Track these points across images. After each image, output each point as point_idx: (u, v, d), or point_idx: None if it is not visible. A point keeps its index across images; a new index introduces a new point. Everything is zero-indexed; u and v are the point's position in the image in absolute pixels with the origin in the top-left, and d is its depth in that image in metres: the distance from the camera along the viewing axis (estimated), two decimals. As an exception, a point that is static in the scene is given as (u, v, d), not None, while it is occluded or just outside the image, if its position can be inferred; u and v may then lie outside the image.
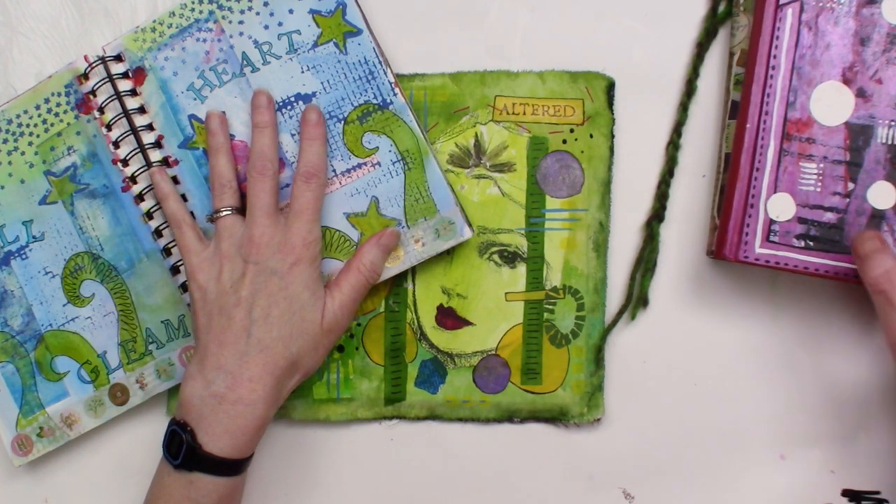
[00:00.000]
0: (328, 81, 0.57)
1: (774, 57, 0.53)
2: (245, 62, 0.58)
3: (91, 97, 0.59)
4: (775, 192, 0.54)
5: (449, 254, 0.59)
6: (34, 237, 0.60)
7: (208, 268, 0.54)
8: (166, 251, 0.59)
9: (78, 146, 0.59)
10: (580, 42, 0.59)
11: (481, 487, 0.61)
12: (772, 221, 0.54)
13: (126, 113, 0.58)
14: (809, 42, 0.53)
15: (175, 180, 0.58)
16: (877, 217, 0.54)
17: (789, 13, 0.53)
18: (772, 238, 0.54)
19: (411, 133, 0.57)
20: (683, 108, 0.59)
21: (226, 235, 0.54)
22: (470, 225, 0.58)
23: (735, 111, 0.56)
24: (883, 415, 0.59)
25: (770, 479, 0.59)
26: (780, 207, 0.54)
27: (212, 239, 0.56)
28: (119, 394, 0.60)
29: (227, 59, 0.58)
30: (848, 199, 0.54)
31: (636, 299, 0.59)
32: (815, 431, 0.59)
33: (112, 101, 0.58)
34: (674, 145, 0.59)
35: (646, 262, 0.59)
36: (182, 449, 0.51)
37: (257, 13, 0.58)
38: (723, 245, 0.54)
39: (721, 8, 0.58)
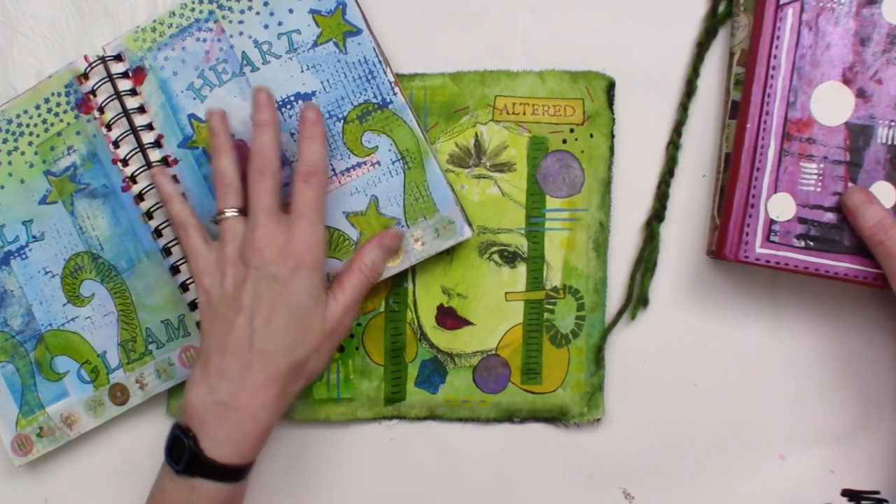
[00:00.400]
0: (328, 81, 0.58)
1: (775, 57, 0.53)
2: (245, 62, 0.58)
3: (91, 97, 0.59)
4: (776, 192, 0.54)
5: (449, 253, 0.59)
6: (34, 237, 0.60)
7: (213, 271, 0.54)
8: (166, 251, 0.59)
9: (78, 146, 0.59)
10: (580, 42, 0.59)
11: (481, 487, 0.61)
12: (772, 221, 0.54)
13: (126, 112, 0.58)
14: (810, 42, 0.53)
15: (175, 179, 0.58)
16: None
17: (790, 13, 0.53)
18: (772, 238, 0.54)
19: (411, 132, 0.57)
20: (683, 107, 0.59)
21: (229, 238, 0.53)
22: (470, 224, 0.58)
23: (735, 111, 0.56)
24: (883, 415, 0.59)
25: (770, 478, 0.59)
26: (781, 207, 0.54)
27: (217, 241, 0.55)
28: (119, 394, 0.60)
29: (227, 58, 0.58)
30: None
31: (636, 299, 0.59)
32: (815, 431, 0.59)
33: (112, 100, 0.58)
34: (674, 145, 0.59)
35: (646, 262, 0.59)
36: (184, 454, 0.51)
37: (257, 13, 0.58)
38: (723, 245, 0.54)
39: (721, 8, 0.58)
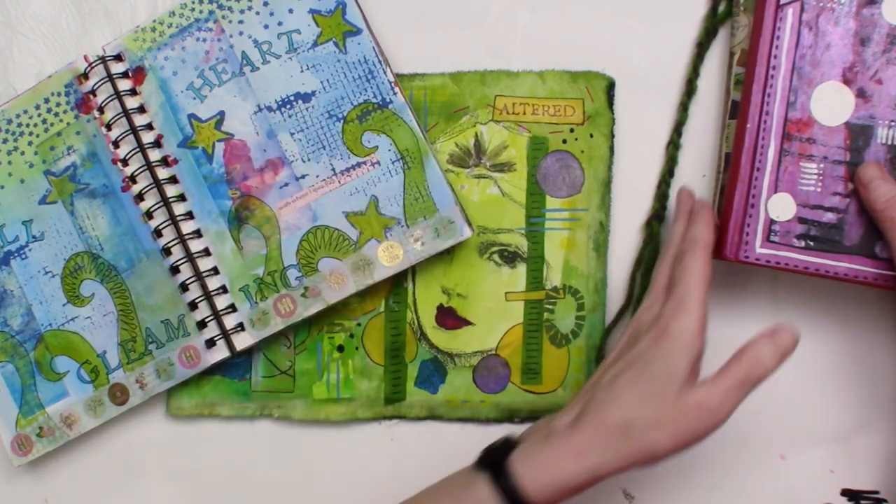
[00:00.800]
0: (328, 80, 0.58)
1: (775, 57, 0.53)
2: (245, 61, 0.58)
3: (91, 97, 0.59)
4: (776, 192, 0.54)
5: (449, 253, 0.59)
6: (34, 237, 0.60)
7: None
8: (166, 251, 0.59)
9: (78, 146, 0.59)
10: (580, 42, 0.59)
11: (481, 487, 0.60)
12: (772, 221, 0.54)
13: (126, 112, 0.58)
14: (810, 42, 0.53)
15: (174, 179, 0.58)
16: None
17: (790, 13, 0.53)
18: (772, 238, 0.54)
19: (411, 132, 0.57)
20: (684, 107, 0.59)
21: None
22: (470, 224, 0.58)
23: (735, 111, 0.56)
24: (882, 415, 0.59)
25: (770, 478, 0.59)
26: (781, 207, 0.54)
27: None
28: (119, 394, 0.60)
29: (227, 58, 0.58)
30: (848, 200, 0.54)
31: (636, 299, 0.59)
32: (815, 431, 0.59)
33: (112, 100, 0.58)
34: (674, 145, 0.59)
35: (646, 262, 0.59)
36: (495, 453, 0.50)
37: (257, 13, 0.58)
38: (723, 245, 0.54)
39: (721, 8, 0.58)
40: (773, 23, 0.53)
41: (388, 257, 0.58)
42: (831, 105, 0.53)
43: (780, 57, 0.53)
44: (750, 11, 0.56)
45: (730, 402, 0.47)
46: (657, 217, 0.59)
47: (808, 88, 0.54)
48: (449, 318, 0.60)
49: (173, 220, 0.58)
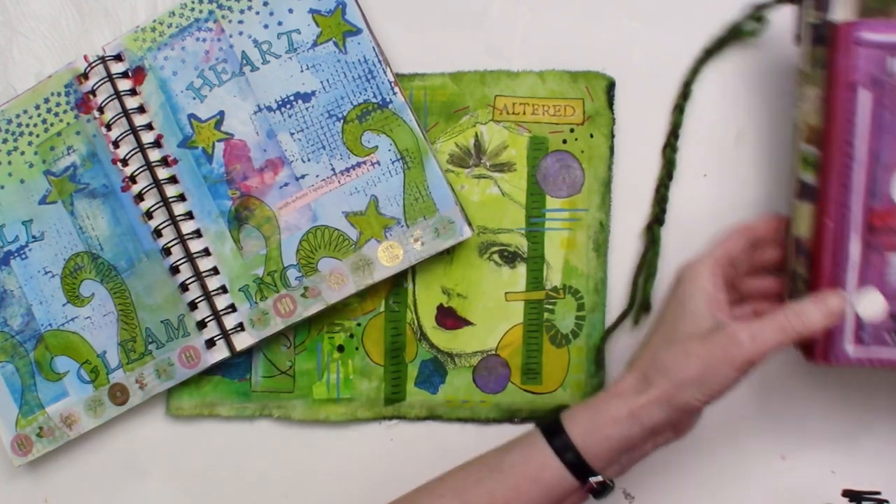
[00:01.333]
0: (328, 80, 0.58)
1: (850, 144, 0.49)
2: (245, 61, 0.58)
3: (91, 97, 0.59)
4: (862, 288, 0.50)
5: (449, 253, 0.59)
6: (34, 237, 0.60)
7: None
8: (166, 251, 0.59)
9: (77, 146, 0.59)
10: (580, 42, 0.59)
11: (481, 488, 0.60)
12: (861, 321, 0.50)
13: (125, 112, 0.58)
14: (888, 122, 0.48)
15: (174, 179, 0.58)
16: None
17: (863, 95, 0.48)
18: (863, 337, 0.50)
19: (411, 132, 0.57)
20: (679, 110, 0.58)
21: None
22: (470, 224, 0.58)
23: (804, 193, 0.51)
24: (884, 415, 0.59)
25: (770, 479, 0.59)
26: (870, 306, 0.50)
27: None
28: (119, 394, 0.60)
29: (227, 58, 0.58)
30: None
31: (639, 304, 0.59)
32: (816, 432, 0.59)
33: (112, 100, 0.58)
34: (671, 148, 0.58)
35: (648, 267, 0.59)
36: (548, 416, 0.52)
37: (257, 13, 0.58)
38: (812, 349, 0.51)
39: (747, 27, 0.57)
40: (847, 107, 0.49)
41: (387, 257, 0.58)
42: None
43: (855, 143, 0.49)
44: (815, 84, 0.51)
45: (763, 340, 0.46)
46: (657, 221, 0.59)
47: (889, 175, 0.49)
48: (449, 318, 0.60)
49: (173, 220, 0.58)
